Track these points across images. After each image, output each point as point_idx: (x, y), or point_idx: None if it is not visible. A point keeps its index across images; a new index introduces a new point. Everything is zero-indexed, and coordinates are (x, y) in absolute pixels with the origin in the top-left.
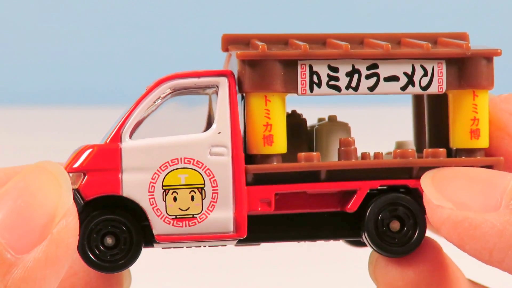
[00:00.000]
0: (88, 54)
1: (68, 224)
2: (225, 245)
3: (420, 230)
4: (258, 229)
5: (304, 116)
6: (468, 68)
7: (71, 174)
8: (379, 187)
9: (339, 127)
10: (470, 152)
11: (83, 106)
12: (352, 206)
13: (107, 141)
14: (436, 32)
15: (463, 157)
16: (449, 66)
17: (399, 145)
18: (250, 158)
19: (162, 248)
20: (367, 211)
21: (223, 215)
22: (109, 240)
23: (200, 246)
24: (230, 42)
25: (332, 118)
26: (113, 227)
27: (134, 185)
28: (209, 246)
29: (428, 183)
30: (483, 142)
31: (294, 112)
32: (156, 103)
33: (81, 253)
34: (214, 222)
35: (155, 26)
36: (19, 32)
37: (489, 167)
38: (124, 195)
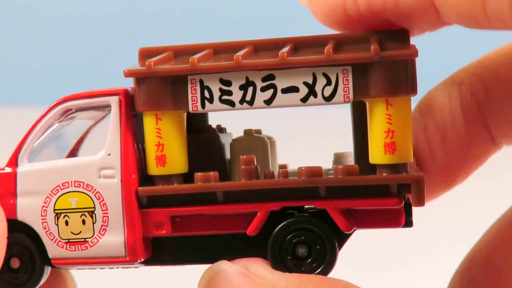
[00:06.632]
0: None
1: None
2: (136, 267)
3: (331, 253)
4: (163, 251)
5: (228, 131)
6: (378, 73)
7: None
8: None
9: (254, 142)
10: (391, 168)
11: None
12: (252, 229)
13: (5, 166)
14: (373, 31)
15: (384, 174)
16: (356, 72)
17: (338, 157)
18: (151, 179)
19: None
20: (271, 236)
21: (114, 239)
22: (14, 263)
23: (96, 268)
24: (147, 56)
25: (248, 132)
26: (17, 251)
27: (28, 209)
28: (109, 268)
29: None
30: (402, 156)
31: (209, 127)
32: (52, 125)
33: None
34: (106, 246)
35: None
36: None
37: (407, 186)
38: (19, 219)
